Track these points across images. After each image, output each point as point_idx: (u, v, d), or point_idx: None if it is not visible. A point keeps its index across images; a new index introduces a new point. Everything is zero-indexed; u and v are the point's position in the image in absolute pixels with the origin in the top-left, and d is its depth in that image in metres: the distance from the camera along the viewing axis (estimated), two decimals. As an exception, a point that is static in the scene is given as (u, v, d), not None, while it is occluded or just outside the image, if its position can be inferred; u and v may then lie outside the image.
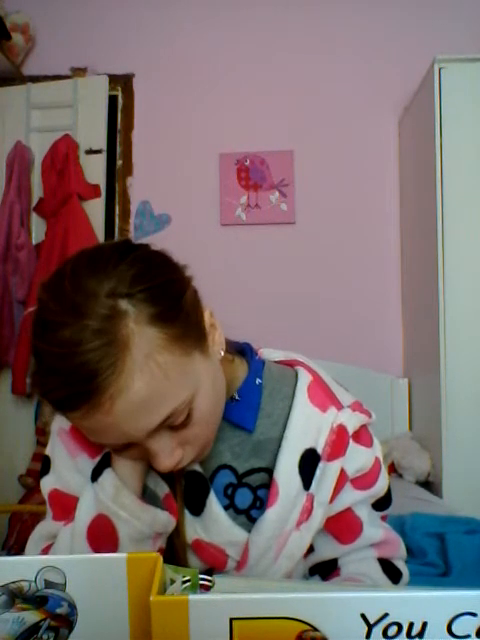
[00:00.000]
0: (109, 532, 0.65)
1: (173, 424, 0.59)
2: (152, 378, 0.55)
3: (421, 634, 0.36)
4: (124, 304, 0.54)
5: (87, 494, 0.67)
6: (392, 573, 0.74)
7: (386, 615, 0.36)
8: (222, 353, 0.66)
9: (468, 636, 0.36)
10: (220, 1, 2.76)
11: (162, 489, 0.70)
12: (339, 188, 2.69)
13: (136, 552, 0.42)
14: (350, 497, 0.71)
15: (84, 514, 0.66)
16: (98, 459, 0.69)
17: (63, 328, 0.54)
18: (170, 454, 0.60)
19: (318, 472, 0.69)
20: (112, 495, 0.64)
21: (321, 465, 0.69)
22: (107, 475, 0.65)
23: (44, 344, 0.55)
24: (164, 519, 0.66)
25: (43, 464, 0.75)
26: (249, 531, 0.69)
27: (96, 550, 0.65)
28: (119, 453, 0.65)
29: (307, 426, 0.70)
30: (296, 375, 0.74)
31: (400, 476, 2.25)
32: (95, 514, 0.65)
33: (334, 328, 2.63)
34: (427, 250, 2.21)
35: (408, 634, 0.36)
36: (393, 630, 0.36)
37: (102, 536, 0.65)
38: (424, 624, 0.36)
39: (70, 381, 0.53)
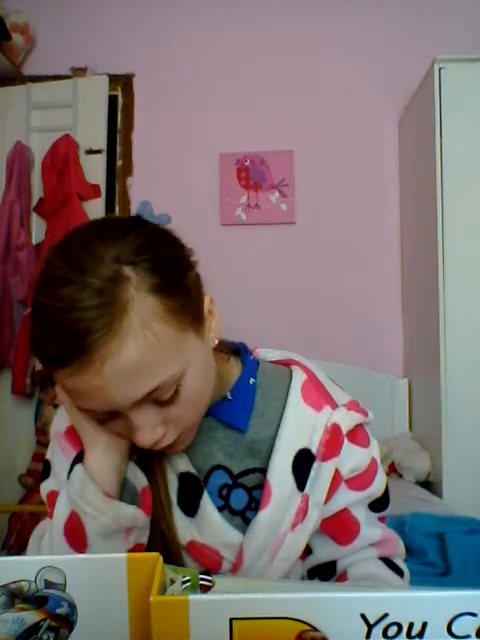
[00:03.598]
0: (80, 528, 0.64)
1: (160, 399, 0.59)
2: (146, 345, 0.55)
3: (421, 634, 0.36)
4: (128, 270, 0.55)
5: (63, 491, 0.67)
6: (395, 572, 0.74)
7: (386, 615, 0.36)
8: (216, 341, 0.66)
9: (468, 636, 0.36)
10: (220, 1, 2.76)
11: (141, 483, 0.69)
12: (339, 188, 2.69)
13: (134, 552, 0.42)
14: (345, 498, 0.70)
15: (60, 511, 0.66)
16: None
17: (66, 284, 0.54)
18: (152, 430, 0.60)
19: (312, 472, 0.68)
20: (79, 491, 0.64)
21: (315, 465, 0.68)
22: (76, 470, 0.65)
23: (45, 298, 0.56)
24: (129, 514, 0.64)
25: (44, 468, 0.75)
26: (244, 532, 0.69)
27: (73, 547, 0.65)
28: (104, 425, 0.64)
29: (301, 426, 0.69)
30: (290, 374, 0.74)
31: (400, 476, 2.25)
32: (69, 511, 0.65)
33: (334, 328, 2.63)
34: (427, 250, 2.21)
35: (408, 634, 0.36)
36: (393, 630, 0.36)
37: (76, 532, 0.65)
38: (424, 624, 0.36)
39: (64, 335, 0.54)
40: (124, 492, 0.68)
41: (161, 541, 0.70)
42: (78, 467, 0.66)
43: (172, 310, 0.57)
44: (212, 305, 0.66)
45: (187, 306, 0.60)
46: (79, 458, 0.67)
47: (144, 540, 0.68)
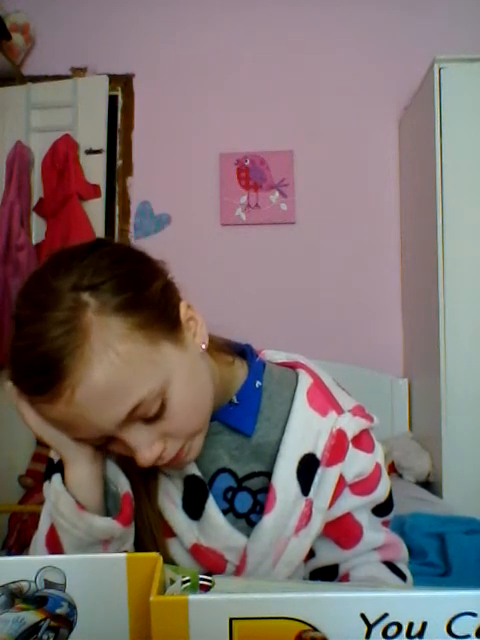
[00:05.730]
0: (58, 541, 0.64)
1: (146, 416, 0.58)
2: (111, 367, 0.55)
3: (421, 634, 0.36)
4: (86, 296, 0.56)
5: (47, 502, 0.66)
6: (398, 576, 0.73)
7: (386, 615, 0.36)
8: (204, 346, 0.65)
9: (468, 636, 0.36)
10: (220, 1, 2.76)
11: (123, 488, 0.67)
12: (339, 188, 2.69)
13: (134, 552, 0.42)
14: (349, 502, 0.70)
15: (42, 523, 0.66)
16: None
17: (29, 323, 0.56)
18: (149, 447, 0.59)
19: (317, 478, 0.68)
20: (54, 502, 0.63)
21: (320, 471, 0.68)
22: (53, 481, 0.64)
23: (14, 341, 0.57)
24: (102, 526, 0.62)
25: (47, 468, 0.75)
26: (248, 535, 0.69)
27: None
28: (106, 450, 0.64)
29: (306, 430, 0.69)
30: (297, 377, 0.73)
31: (400, 476, 2.25)
32: (50, 523, 0.65)
33: (334, 328, 2.63)
34: (427, 250, 2.21)
35: (408, 634, 0.36)
36: (393, 630, 0.36)
37: (57, 545, 0.64)
38: (424, 624, 0.36)
39: (33, 370, 0.55)
40: (108, 498, 0.68)
41: (151, 534, 0.69)
42: (56, 477, 0.64)
43: (138, 326, 0.57)
44: (191, 311, 0.65)
45: (156, 318, 0.59)
46: (59, 466, 0.66)
47: (127, 548, 0.67)
